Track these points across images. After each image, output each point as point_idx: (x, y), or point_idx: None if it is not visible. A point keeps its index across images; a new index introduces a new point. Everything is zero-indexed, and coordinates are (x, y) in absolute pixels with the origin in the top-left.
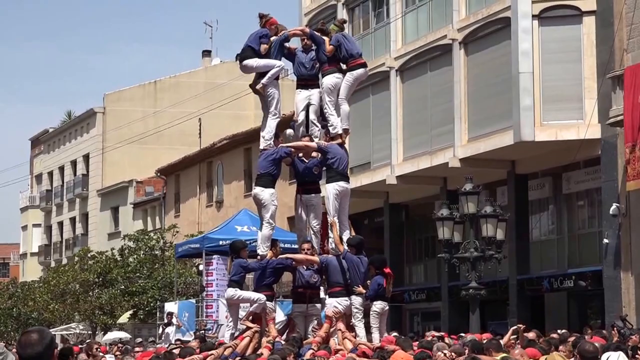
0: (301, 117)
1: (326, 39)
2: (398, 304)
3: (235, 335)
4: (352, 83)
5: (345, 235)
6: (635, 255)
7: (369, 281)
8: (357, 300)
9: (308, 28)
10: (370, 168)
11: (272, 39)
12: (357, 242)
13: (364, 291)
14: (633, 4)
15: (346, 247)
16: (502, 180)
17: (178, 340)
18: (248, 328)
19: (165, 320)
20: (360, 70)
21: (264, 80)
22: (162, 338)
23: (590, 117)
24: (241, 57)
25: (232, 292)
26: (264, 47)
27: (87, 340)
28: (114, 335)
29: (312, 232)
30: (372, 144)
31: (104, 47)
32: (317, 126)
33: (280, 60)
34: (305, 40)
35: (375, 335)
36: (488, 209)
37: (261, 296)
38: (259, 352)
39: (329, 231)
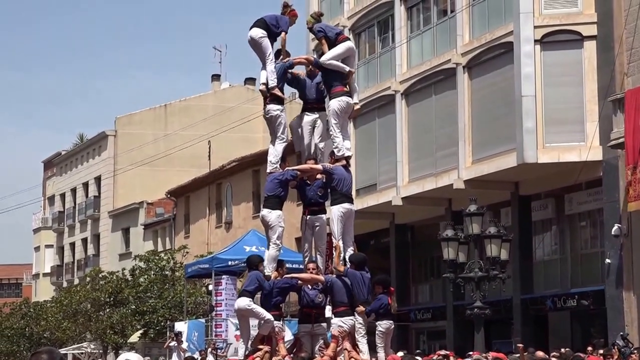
0: (306, 141)
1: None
2: (404, 323)
3: (247, 353)
4: (343, 50)
5: (349, 255)
6: (637, 275)
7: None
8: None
9: (312, 56)
10: (376, 189)
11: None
12: (357, 260)
13: (362, 309)
14: (633, 29)
15: (347, 265)
16: (506, 202)
17: (189, 357)
18: (258, 349)
19: (175, 342)
20: (348, 43)
21: (271, 85)
22: (173, 352)
23: (592, 139)
24: (252, 26)
25: (247, 302)
26: (283, 36)
27: (90, 359)
28: (125, 357)
29: (317, 252)
30: (378, 166)
31: (115, 71)
32: (320, 150)
33: (283, 86)
34: (310, 68)
35: (381, 355)
36: (492, 229)
37: (271, 317)
38: None
39: (333, 252)
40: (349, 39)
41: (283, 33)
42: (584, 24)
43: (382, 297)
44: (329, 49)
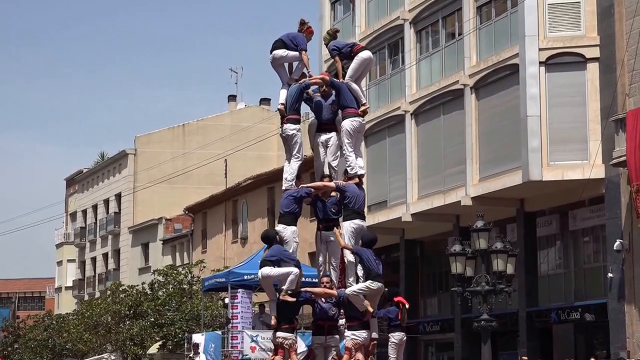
0: (321, 159)
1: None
2: (413, 335)
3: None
4: (359, 64)
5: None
6: (639, 289)
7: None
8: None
9: (327, 76)
10: (386, 206)
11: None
12: (366, 239)
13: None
14: (634, 51)
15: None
16: (512, 218)
17: None
18: (275, 353)
19: (192, 352)
20: (364, 53)
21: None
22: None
23: (595, 157)
24: (272, 48)
25: (268, 270)
26: (305, 56)
27: None
28: None
29: (331, 267)
30: (389, 183)
31: (135, 92)
32: (334, 169)
33: (300, 107)
34: (324, 88)
35: None
36: (498, 244)
37: (295, 269)
38: None
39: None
40: (364, 49)
41: (304, 52)
42: (587, 46)
43: (392, 310)
44: (346, 64)
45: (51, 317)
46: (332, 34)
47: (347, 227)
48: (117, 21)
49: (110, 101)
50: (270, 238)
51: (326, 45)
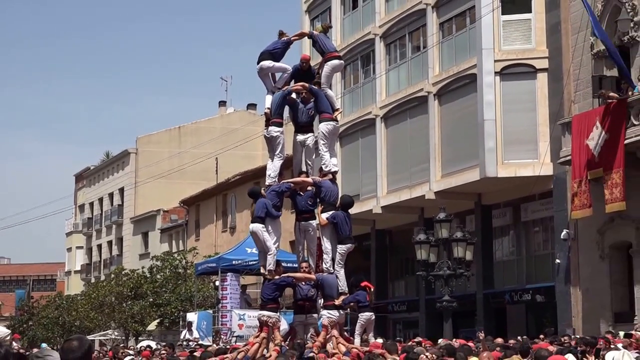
0: (298, 157)
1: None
2: (383, 314)
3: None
4: (330, 72)
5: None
6: (583, 273)
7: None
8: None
9: (307, 84)
10: (359, 199)
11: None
12: (345, 201)
13: (339, 301)
14: (579, 63)
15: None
16: (470, 210)
17: (199, 345)
18: (260, 330)
19: (186, 329)
20: (335, 61)
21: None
22: (184, 340)
23: (544, 157)
24: (259, 60)
25: (260, 227)
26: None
27: (114, 344)
28: (145, 343)
29: (309, 254)
30: (361, 179)
31: (137, 97)
32: (310, 165)
33: (283, 111)
34: (304, 94)
35: (357, 340)
36: (458, 234)
37: (274, 250)
38: (267, 355)
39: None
40: (336, 58)
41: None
42: (537, 58)
43: (360, 293)
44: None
45: (62, 298)
46: (325, 28)
47: (323, 217)
48: (123, 34)
49: (115, 105)
50: (256, 193)
51: (311, 34)
